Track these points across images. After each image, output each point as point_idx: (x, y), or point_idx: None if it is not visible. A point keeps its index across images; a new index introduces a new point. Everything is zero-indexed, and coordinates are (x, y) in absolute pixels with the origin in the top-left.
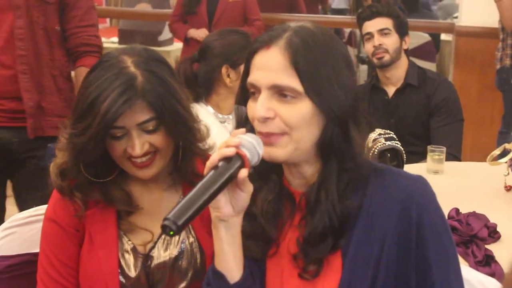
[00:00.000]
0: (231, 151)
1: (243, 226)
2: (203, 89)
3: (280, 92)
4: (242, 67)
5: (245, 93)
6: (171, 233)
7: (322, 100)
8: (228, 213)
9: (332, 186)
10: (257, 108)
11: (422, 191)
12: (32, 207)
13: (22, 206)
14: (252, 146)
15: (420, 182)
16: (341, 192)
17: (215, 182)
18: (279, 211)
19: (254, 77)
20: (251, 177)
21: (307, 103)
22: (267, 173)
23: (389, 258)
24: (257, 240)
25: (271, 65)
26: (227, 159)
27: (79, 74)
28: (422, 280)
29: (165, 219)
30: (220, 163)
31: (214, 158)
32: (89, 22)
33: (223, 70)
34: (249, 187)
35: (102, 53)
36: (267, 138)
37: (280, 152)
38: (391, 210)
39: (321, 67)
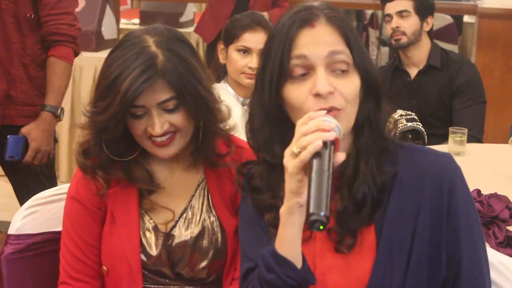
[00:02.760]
0: (332, 136)
1: (273, 220)
2: (221, 68)
3: (333, 67)
4: (231, 49)
5: (282, 76)
6: (321, 227)
7: (366, 71)
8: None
9: (370, 155)
10: (321, 83)
11: (452, 166)
12: (19, 190)
13: (15, 191)
14: (338, 128)
15: (448, 158)
16: (377, 160)
17: (325, 168)
18: None
19: (306, 52)
20: (267, 170)
21: (356, 75)
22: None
23: (423, 233)
24: None
25: (324, 39)
26: (325, 144)
27: (48, 64)
28: (452, 254)
29: (310, 215)
30: (321, 149)
31: (315, 144)
32: (62, 10)
33: (219, 45)
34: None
35: (76, 43)
36: (331, 114)
37: (342, 127)
38: (423, 185)
39: (357, 38)
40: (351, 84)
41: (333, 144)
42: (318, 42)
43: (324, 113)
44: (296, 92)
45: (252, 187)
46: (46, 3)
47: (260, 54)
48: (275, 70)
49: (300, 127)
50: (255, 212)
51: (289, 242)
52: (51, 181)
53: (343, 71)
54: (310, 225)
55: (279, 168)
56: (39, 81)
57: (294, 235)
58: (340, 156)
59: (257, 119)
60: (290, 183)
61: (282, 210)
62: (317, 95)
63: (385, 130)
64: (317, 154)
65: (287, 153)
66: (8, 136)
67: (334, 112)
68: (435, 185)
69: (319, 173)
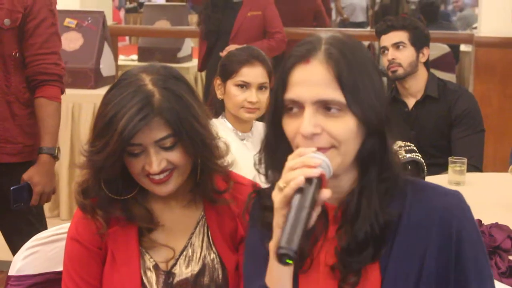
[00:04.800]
0: (316, 172)
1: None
2: (218, 104)
3: (324, 106)
4: (229, 84)
5: (278, 109)
6: (289, 261)
7: (364, 111)
8: None
9: (373, 193)
10: (304, 124)
11: (461, 206)
12: (8, 233)
13: (5, 236)
14: (326, 165)
15: (458, 197)
16: (381, 200)
17: (306, 204)
18: (313, 227)
19: (297, 93)
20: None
21: (350, 115)
22: None
23: (429, 272)
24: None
25: (314, 80)
26: (309, 180)
27: (38, 105)
28: None
29: (279, 248)
30: (304, 185)
31: (297, 179)
32: (49, 50)
33: (216, 81)
34: (320, 208)
35: (62, 81)
36: (321, 151)
37: (334, 164)
38: (431, 224)
39: (359, 77)
40: (343, 124)
41: (319, 181)
42: (308, 82)
43: (314, 150)
44: (289, 127)
45: (263, 206)
46: (32, 43)
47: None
48: (273, 103)
49: (288, 162)
50: (262, 235)
51: (276, 276)
52: (40, 220)
53: (335, 109)
54: (277, 257)
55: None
56: (23, 120)
57: (282, 270)
58: (326, 193)
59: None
60: (276, 217)
61: (270, 244)
62: (304, 136)
63: (394, 167)
64: (299, 190)
65: (276, 187)
66: (11, 188)
67: (322, 151)
68: (443, 225)
69: (298, 209)
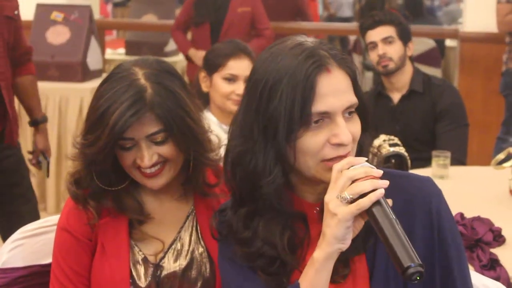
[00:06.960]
0: (386, 183)
1: (267, 268)
2: (201, 97)
3: (346, 111)
4: (216, 77)
5: (301, 125)
6: (418, 277)
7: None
8: (349, 243)
9: None
10: (345, 133)
11: (436, 191)
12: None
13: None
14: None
15: (431, 183)
16: None
17: (391, 216)
18: (295, 239)
19: (328, 104)
20: (248, 218)
21: (356, 114)
22: (273, 208)
23: None
24: (281, 276)
25: (342, 87)
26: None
27: (27, 82)
28: (444, 280)
29: (405, 269)
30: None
31: (378, 192)
32: (21, 29)
33: (201, 74)
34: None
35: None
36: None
37: None
38: (412, 212)
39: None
40: (357, 124)
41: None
42: (336, 92)
43: (364, 160)
44: (312, 140)
45: (239, 241)
46: (19, 26)
47: (261, 93)
48: (294, 118)
49: (345, 171)
50: (243, 261)
51: (320, 286)
52: (32, 191)
53: (353, 112)
54: (407, 278)
55: (267, 212)
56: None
57: (327, 280)
58: (390, 202)
59: (266, 166)
60: (337, 230)
61: (319, 256)
62: (339, 145)
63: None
64: (377, 202)
65: (332, 198)
66: (47, 160)
67: (348, 155)
68: (423, 211)
69: (388, 222)
